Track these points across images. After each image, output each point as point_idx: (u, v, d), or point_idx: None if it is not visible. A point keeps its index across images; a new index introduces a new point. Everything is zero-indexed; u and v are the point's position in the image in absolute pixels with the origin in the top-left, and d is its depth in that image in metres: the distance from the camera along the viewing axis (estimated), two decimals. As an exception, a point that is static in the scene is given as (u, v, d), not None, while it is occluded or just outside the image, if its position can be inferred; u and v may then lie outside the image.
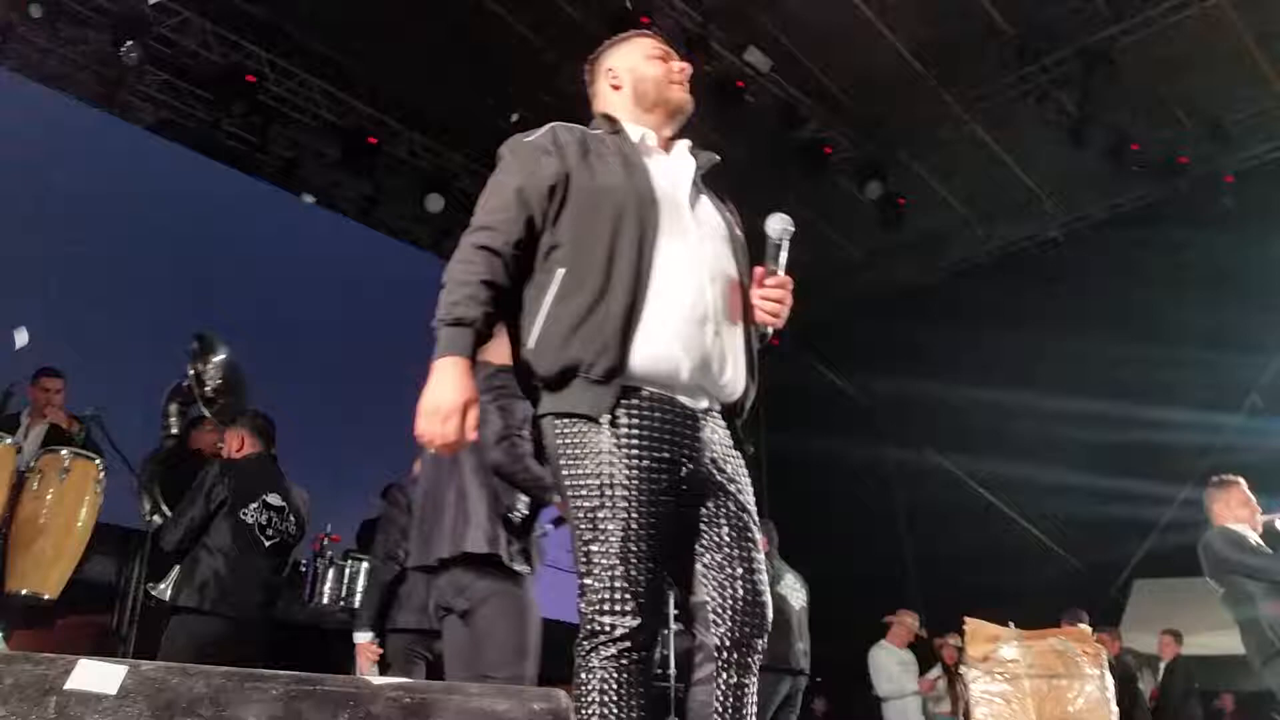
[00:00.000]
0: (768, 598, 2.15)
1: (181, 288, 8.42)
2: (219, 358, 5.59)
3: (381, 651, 4.26)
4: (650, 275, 2.14)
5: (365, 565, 6.33)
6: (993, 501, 10.73)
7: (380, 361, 9.72)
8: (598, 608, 1.94)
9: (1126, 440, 9.20)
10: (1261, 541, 4.66)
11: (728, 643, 2.08)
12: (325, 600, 6.33)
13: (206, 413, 5.52)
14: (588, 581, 1.96)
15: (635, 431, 2.05)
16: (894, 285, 12.01)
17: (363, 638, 4.29)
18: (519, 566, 3.35)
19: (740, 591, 2.10)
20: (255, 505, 4.57)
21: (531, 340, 2.13)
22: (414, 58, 9.13)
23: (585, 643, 1.94)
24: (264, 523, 4.56)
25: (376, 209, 10.55)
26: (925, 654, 8.36)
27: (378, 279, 10.15)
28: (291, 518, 4.75)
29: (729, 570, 2.12)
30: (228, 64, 8.87)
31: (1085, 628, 6.04)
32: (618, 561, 1.95)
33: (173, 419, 5.64)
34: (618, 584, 1.94)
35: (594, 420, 2.05)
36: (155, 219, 8.52)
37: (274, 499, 4.66)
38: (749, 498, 2.22)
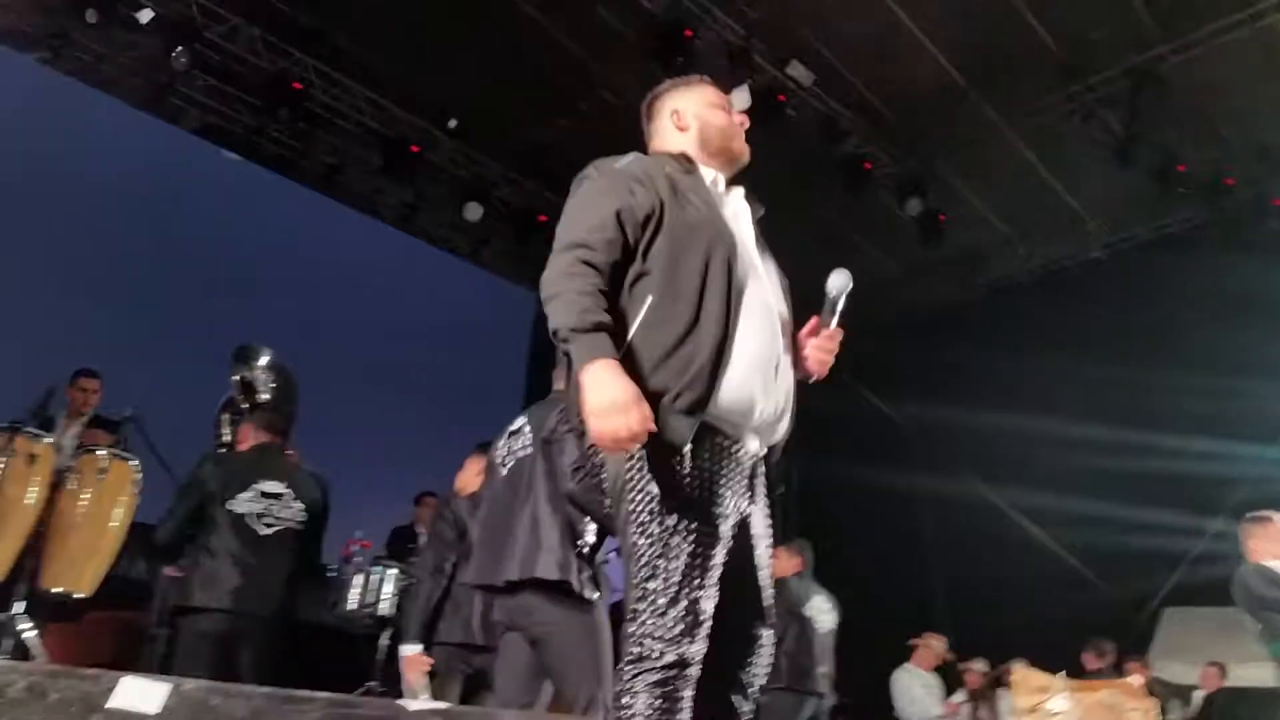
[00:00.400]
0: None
1: (222, 290, 8.53)
2: (264, 361, 5.65)
3: (432, 663, 4.27)
4: (738, 314, 2.20)
5: (393, 573, 6.38)
6: (1024, 527, 10.60)
7: (414, 368, 9.81)
8: (650, 634, 1.99)
9: (1159, 469, 9.02)
10: None
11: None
12: (353, 606, 6.35)
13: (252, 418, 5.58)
14: (640, 608, 2.01)
15: (707, 473, 2.11)
16: (933, 302, 11.92)
17: (413, 650, 4.29)
18: (589, 593, 3.40)
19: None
20: (247, 494, 4.50)
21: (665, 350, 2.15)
22: (457, 66, 9.18)
23: (631, 667, 1.99)
24: (259, 511, 4.50)
25: (417, 216, 10.61)
26: (951, 678, 8.28)
27: (417, 286, 10.23)
28: (296, 504, 4.66)
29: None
30: (275, 70, 8.98)
31: (1136, 680, 5.95)
32: (673, 598, 2.00)
33: (225, 429, 5.70)
34: (670, 617, 1.99)
35: (674, 450, 2.09)
36: (198, 222, 8.63)
37: (271, 486, 4.58)
38: (764, 554, 2.30)
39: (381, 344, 9.67)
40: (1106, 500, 9.24)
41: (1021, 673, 5.97)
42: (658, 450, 2.08)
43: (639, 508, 2.06)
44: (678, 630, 1.99)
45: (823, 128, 9.94)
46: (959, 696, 8.19)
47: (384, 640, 6.38)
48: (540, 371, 11.29)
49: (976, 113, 9.93)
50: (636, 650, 1.99)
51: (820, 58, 9.48)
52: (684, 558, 2.03)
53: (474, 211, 10.08)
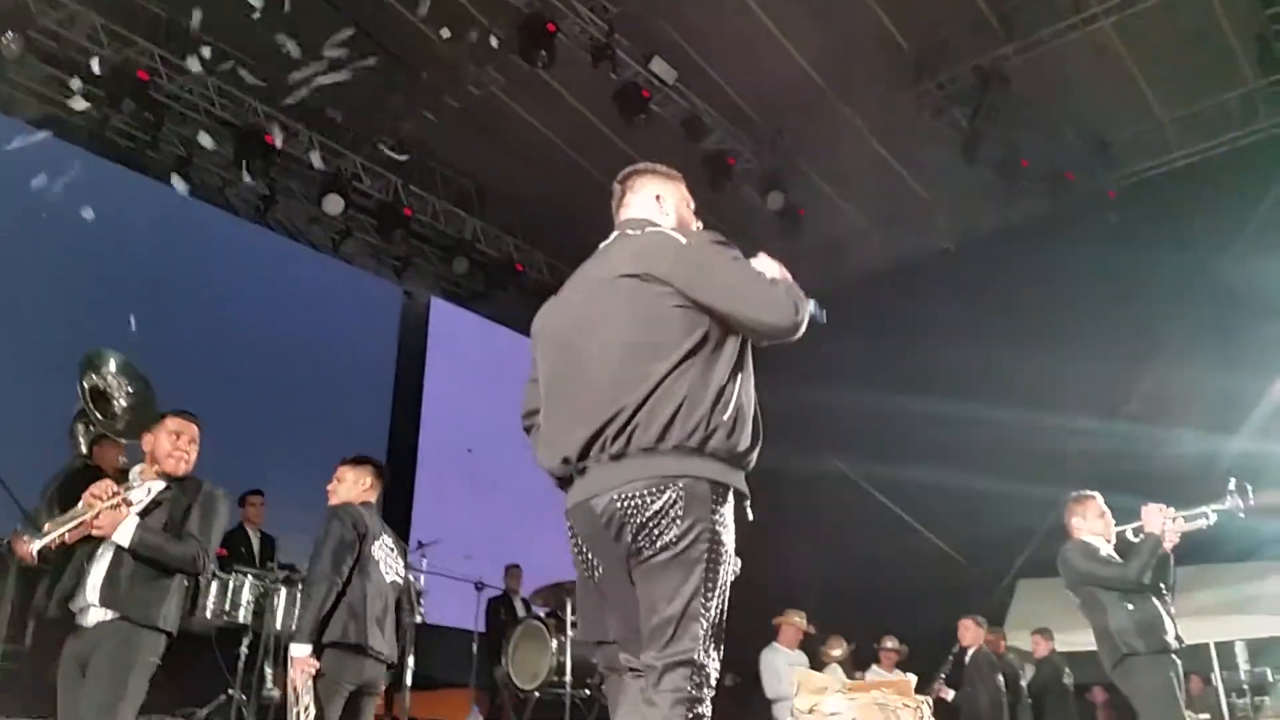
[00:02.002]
0: None
1: (64, 295, 8.08)
2: (113, 365, 5.36)
3: (319, 666, 4.16)
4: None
5: (249, 579, 6.26)
6: (887, 505, 10.95)
7: (274, 365, 9.50)
8: (704, 650, 2.23)
9: (1014, 446, 9.44)
10: (1114, 553, 4.87)
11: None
12: (209, 614, 6.17)
13: (105, 430, 5.32)
14: (696, 627, 2.22)
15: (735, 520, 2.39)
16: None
17: (302, 651, 4.15)
18: None
19: None
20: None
21: (727, 413, 2.34)
22: (318, 55, 8.92)
23: (682, 669, 2.21)
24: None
25: (273, 208, 10.28)
26: (814, 655, 8.46)
27: (275, 280, 9.90)
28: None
29: None
30: (119, 60, 8.56)
31: (910, 678, 6.20)
32: (718, 620, 2.28)
33: (80, 438, 5.44)
34: (715, 636, 2.27)
35: (742, 502, 2.41)
36: (33, 217, 8.15)
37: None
38: None
39: (239, 340, 9.31)
40: (967, 476, 9.55)
41: (803, 675, 6.14)
42: (737, 501, 2.38)
43: (720, 547, 2.29)
44: (715, 650, 2.30)
45: (686, 124, 10.05)
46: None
47: (243, 648, 6.21)
48: (410, 369, 11.12)
49: (833, 109, 10.22)
50: (690, 657, 2.22)
51: (683, 55, 9.60)
52: (727, 594, 2.34)
53: (334, 204, 9.84)
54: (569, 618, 6.63)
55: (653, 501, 2.24)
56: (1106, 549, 4.89)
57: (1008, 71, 9.43)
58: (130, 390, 5.38)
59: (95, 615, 3.84)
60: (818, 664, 8.35)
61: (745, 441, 2.38)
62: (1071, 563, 4.88)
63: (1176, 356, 9.49)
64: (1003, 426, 9.60)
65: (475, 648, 8.03)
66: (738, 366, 2.42)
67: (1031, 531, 9.85)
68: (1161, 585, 4.77)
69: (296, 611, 6.17)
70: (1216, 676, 8.74)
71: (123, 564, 3.88)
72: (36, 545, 3.75)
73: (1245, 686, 8.55)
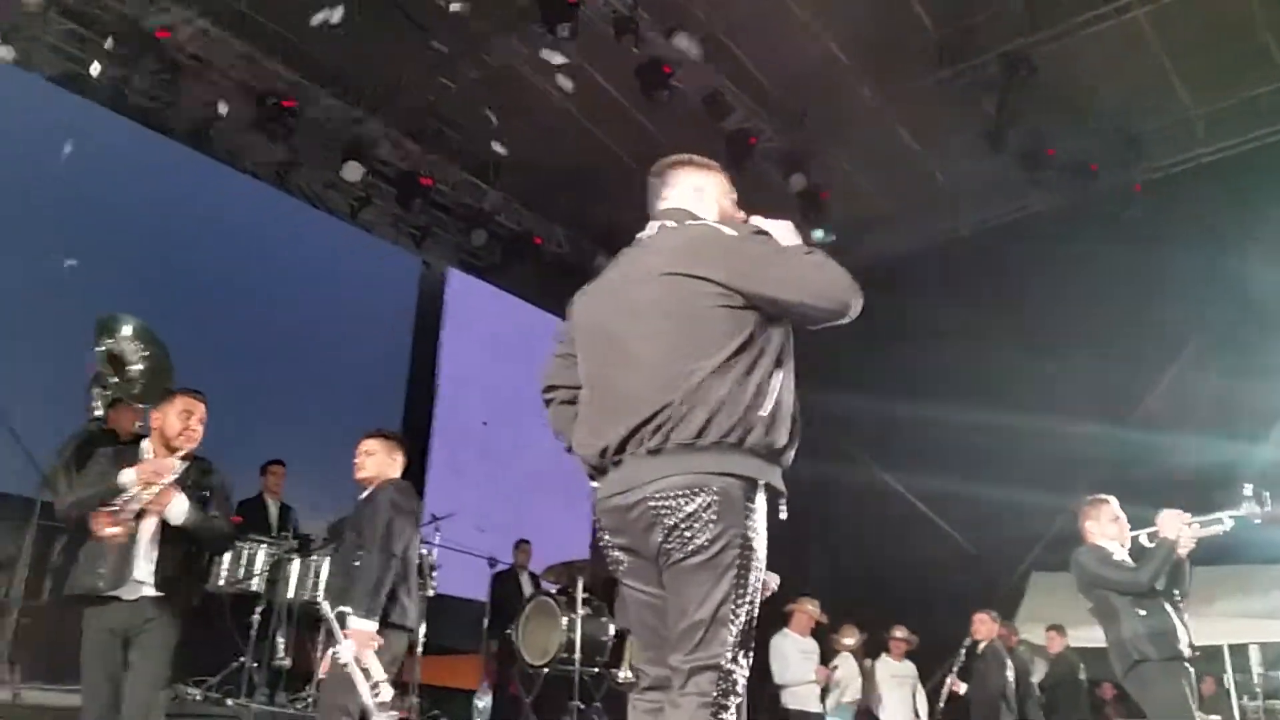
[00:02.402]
0: None
1: (79, 253, 8.06)
2: (129, 329, 5.35)
3: (382, 641, 4.18)
4: None
5: (264, 548, 6.31)
6: (903, 496, 10.92)
7: (290, 332, 9.50)
8: (734, 657, 2.23)
9: (1029, 443, 9.37)
10: (1128, 557, 4.86)
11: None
12: (222, 581, 6.23)
13: (120, 395, 5.33)
14: (725, 632, 2.21)
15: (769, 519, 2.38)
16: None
17: (368, 625, 4.12)
18: None
19: None
20: None
21: (766, 409, 2.32)
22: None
23: (709, 674, 2.20)
24: None
25: (293, 173, 10.24)
26: (826, 644, 8.49)
27: (293, 246, 9.88)
28: None
29: None
30: (138, 17, 8.51)
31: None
32: (748, 626, 2.27)
33: (96, 403, 5.46)
34: (744, 643, 2.26)
35: (777, 500, 2.39)
36: (49, 177, 8.12)
37: None
38: None
39: (255, 308, 9.30)
40: (979, 469, 9.53)
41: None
42: (773, 500, 2.37)
43: (757, 546, 2.28)
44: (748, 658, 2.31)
45: (708, 101, 9.96)
46: (835, 661, 8.39)
47: (256, 616, 6.25)
48: (426, 341, 11.11)
49: (857, 92, 10.12)
50: (721, 664, 2.21)
51: (707, 31, 9.51)
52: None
53: (353, 171, 9.80)
54: (580, 595, 6.65)
55: (686, 504, 2.23)
56: (1120, 553, 4.88)
57: (1036, 60, 9.32)
58: (146, 355, 5.38)
59: (143, 591, 3.89)
60: (829, 652, 8.39)
61: (783, 438, 2.36)
62: (1084, 566, 4.88)
63: (1195, 360, 9.42)
64: (1017, 423, 9.57)
65: (486, 621, 8.09)
66: (779, 363, 2.40)
67: (1046, 526, 9.87)
68: (1175, 591, 4.78)
69: (317, 581, 6.23)
70: (1229, 679, 8.71)
71: (169, 542, 3.95)
72: (116, 528, 3.83)
73: (1258, 690, 8.54)
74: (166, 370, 5.31)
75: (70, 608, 3.97)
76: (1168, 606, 4.70)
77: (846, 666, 8.45)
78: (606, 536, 2.43)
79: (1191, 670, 4.65)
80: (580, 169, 11.28)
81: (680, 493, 2.23)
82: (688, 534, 2.22)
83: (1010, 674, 7.96)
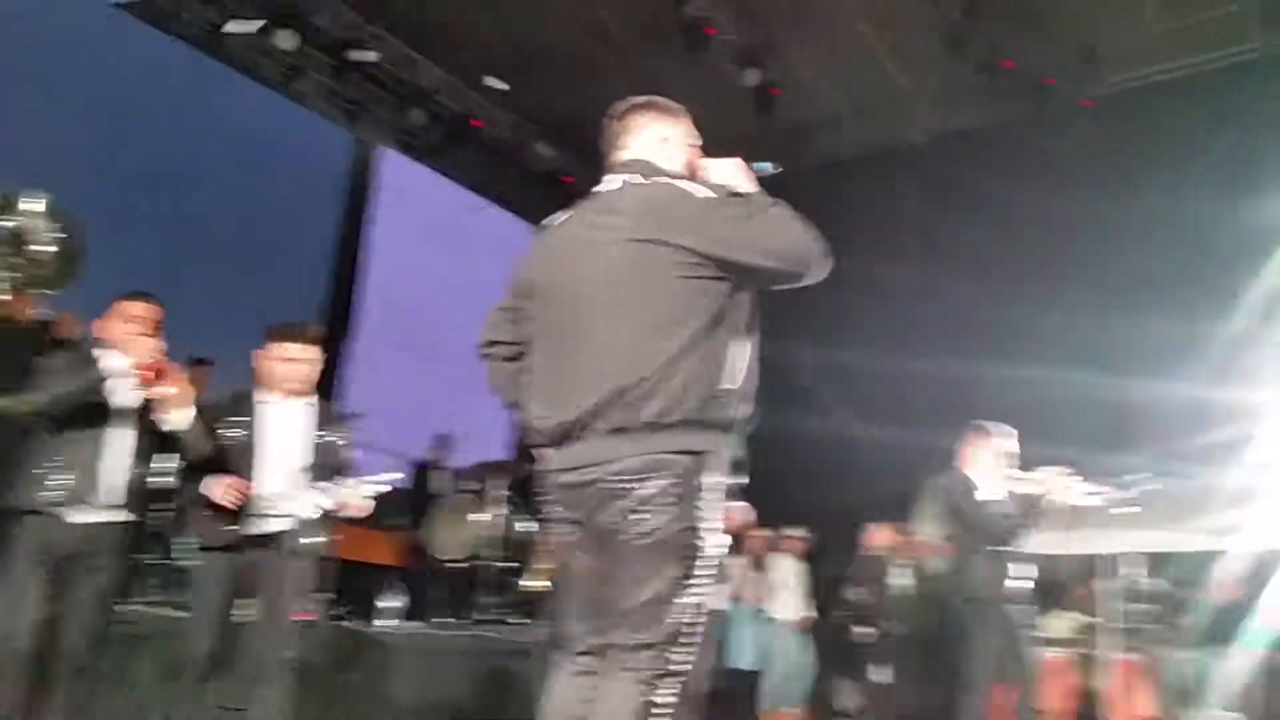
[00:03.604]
0: None
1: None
2: (35, 205, 4.87)
3: None
4: None
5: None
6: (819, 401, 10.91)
7: (213, 204, 9.11)
8: (675, 638, 2.21)
9: (956, 348, 9.42)
10: (994, 496, 4.88)
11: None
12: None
13: (26, 280, 4.92)
14: (671, 613, 2.20)
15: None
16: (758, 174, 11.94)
17: None
18: None
19: None
20: None
21: (736, 380, 2.31)
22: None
23: (650, 652, 2.19)
24: None
25: (224, 37, 9.69)
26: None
27: (218, 115, 9.41)
28: None
29: None
30: None
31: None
32: (695, 609, 2.24)
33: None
34: (693, 629, 2.23)
35: (739, 469, 2.37)
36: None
37: None
38: None
39: (174, 179, 8.87)
40: (908, 369, 9.55)
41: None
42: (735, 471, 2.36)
43: (697, 543, 2.25)
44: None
45: (667, -13, 9.58)
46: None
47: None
48: (354, 221, 10.76)
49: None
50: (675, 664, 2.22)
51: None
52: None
53: (287, 39, 9.30)
54: (499, 494, 6.62)
55: (641, 489, 2.20)
56: (986, 492, 4.88)
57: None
58: (60, 236, 4.99)
59: (99, 516, 3.58)
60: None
61: (747, 409, 2.34)
62: (951, 494, 4.93)
63: (1102, 293, 9.44)
64: (937, 328, 9.67)
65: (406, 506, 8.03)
66: (747, 332, 2.36)
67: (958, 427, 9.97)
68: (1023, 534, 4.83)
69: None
70: (1107, 584, 9.10)
71: (141, 456, 3.66)
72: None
73: (1136, 594, 8.98)
74: (80, 252, 4.95)
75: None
76: (1009, 548, 4.79)
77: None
78: (557, 509, 2.39)
79: (1020, 610, 4.81)
80: (527, 50, 10.87)
81: (637, 477, 2.20)
82: (637, 516, 2.20)
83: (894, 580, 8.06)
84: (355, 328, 10.41)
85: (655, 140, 2.55)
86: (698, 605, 2.24)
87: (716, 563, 2.28)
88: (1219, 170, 8.87)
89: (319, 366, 4.07)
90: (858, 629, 7.91)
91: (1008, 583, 4.75)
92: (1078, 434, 8.93)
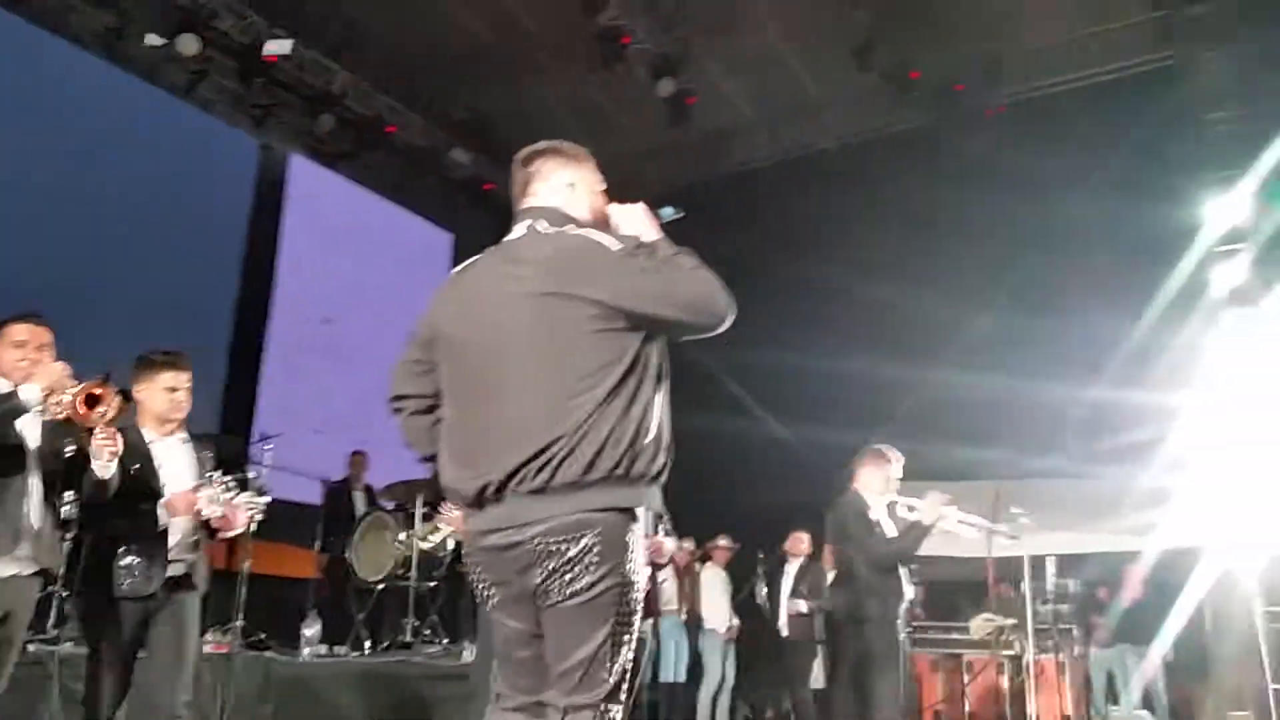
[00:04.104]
0: None
1: None
2: None
3: None
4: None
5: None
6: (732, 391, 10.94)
7: (115, 216, 8.75)
8: (612, 695, 2.21)
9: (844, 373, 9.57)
10: (885, 518, 5.15)
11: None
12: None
13: None
14: (604, 672, 2.19)
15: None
16: (678, 182, 12.02)
17: None
18: None
19: None
20: None
21: (650, 435, 2.27)
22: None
23: (585, 713, 2.18)
24: None
25: (122, 43, 9.33)
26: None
27: (121, 124, 9.03)
28: None
29: None
30: None
31: None
32: (626, 665, 2.24)
33: None
34: (625, 683, 2.23)
35: (658, 521, 2.40)
36: None
37: None
38: None
39: (75, 187, 8.48)
40: (812, 369, 9.62)
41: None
42: (647, 523, 2.30)
43: (634, 579, 2.24)
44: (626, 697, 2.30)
45: (584, -4, 9.52)
46: (663, 575, 8.47)
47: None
48: (264, 231, 10.43)
49: (734, -4, 9.84)
50: (600, 711, 2.21)
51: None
52: (637, 633, 2.32)
53: (189, 44, 8.99)
54: (419, 512, 6.48)
55: (568, 549, 2.17)
56: (879, 513, 5.13)
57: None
58: None
59: (20, 568, 3.36)
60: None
61: (665, 459, 2.32)
62: (845, 516, 5.14)
63: (1016, 297, 9.66)
64: (854, 332, 9.83)
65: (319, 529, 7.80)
66: (658, 381, 2.34)
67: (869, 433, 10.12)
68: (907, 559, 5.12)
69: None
70: (1025, 585, 9.35)
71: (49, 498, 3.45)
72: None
73: (1050, 595, 9.26)
74: None
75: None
76: (898, 571, 5.03)
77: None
78: (478, 570, 2.34)
79: (900, 632, 5.01)
80: (440, 53, 10.71)
81: (563, 537, 2.17)
82: (568, 577, 2.18)
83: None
84: (267, 340, 10.10)
85: (562, 186, 2.52)
86: (629, 659, 2.25)
87: (640, 607, 2.30)
88: (1126, 175, 9.13)
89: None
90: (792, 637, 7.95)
91: (896, 603, 4.97)
92: (995, 435, 9.23)
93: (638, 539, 2.25)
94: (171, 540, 3.65)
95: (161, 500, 3.63)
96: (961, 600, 9.82)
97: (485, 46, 10.42)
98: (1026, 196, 9.54)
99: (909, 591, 5.06)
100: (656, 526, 2.17)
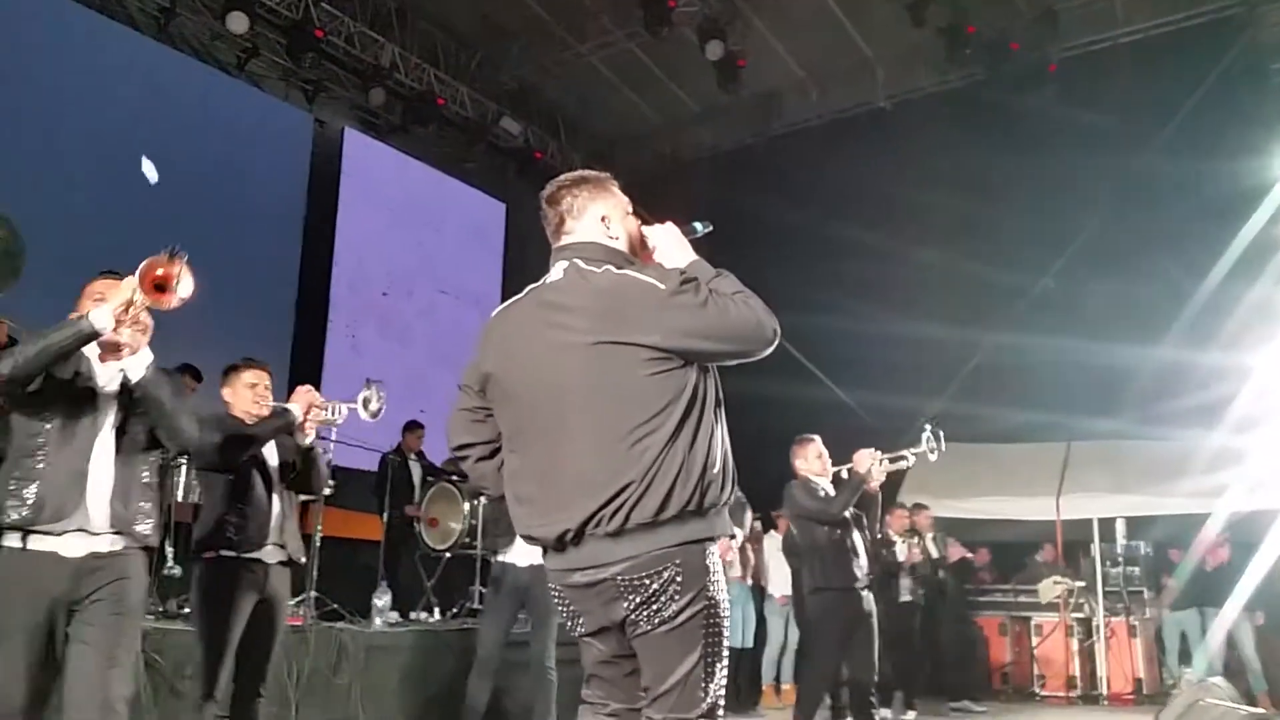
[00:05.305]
0: None
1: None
2: None
3: None
4: None
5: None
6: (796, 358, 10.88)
7: (178, 194, 8.86)
8: (708, 712, 2.25)
9: (906, 335, 9.44)
10: (833, 490, 5.46)
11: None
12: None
13: None
14: (699, 692, 2.24)
15: None
16: (729, 143, 11.93)
17: None
18: None
19: None
20: None
21: (717, 466, 2.30)
22: None
23: None
24: None
25: (173, 23, 9.40)
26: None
27: (175, 102, 9.11)
28: None
29: None
30: None
31: None
32: (721, 681, 2.28)
33: None
34: (722, 701, 2.29)
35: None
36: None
37: None
38: None
39: (136, 170, 8.59)
40: (874, 330, 9.56)
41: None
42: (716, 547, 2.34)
43: (720, 599, 2.28)
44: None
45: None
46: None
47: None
48: (322, 205, 10.50)
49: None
50: None
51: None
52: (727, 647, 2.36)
53: (238, 22, 9.02)
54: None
55: (652, 583, 2.21)
56: (825, 486, 5.44)
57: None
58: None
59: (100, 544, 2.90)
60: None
61: (731, 483, 2.35)
62: (794, 498, 5.46)
63: (1079, 257, 9.47)
64: (912, 295, 9.70)
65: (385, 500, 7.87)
66: (717, 404, 2.36)
67: (936, 396, 10.02)
68: (864, 517, 5.51)
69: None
70: (1095, 548, 9.25)
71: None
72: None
73: (1120, 558, 9.15)
74: (15, 253, 4.71)
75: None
76: (855, 537, 5.39)
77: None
78: (565, 604, 2.39)
79: (866, 594, 5.37)
80: (486, 23, 10.67)
81: (645, 573, 2.21)
82: (655, 607, 2.22)
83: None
84: (330, 311, 10.18)
85: (595, 221, 2.50)
86: (723, 672, 2.30)
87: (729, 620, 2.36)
88: (1192, 130, 8.88)
89: None
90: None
91: (858, 565, 5.32)
92: (1059, 398, 9.09)
93: (715, 559, 2.30)
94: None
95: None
96: (1029, 562, 9.74)
97: (532, 15, 10.38)
98: (1088, 153, 9.35)
99: (863, 560, 5.38)
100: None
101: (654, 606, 2.21)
